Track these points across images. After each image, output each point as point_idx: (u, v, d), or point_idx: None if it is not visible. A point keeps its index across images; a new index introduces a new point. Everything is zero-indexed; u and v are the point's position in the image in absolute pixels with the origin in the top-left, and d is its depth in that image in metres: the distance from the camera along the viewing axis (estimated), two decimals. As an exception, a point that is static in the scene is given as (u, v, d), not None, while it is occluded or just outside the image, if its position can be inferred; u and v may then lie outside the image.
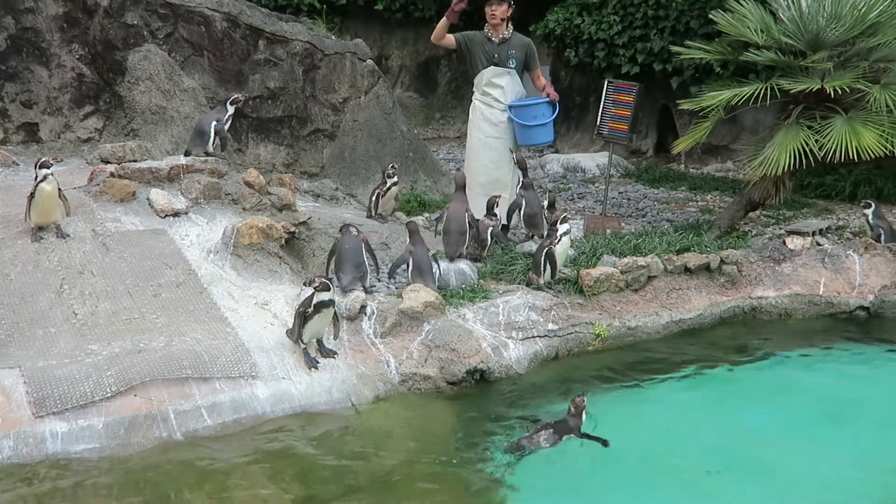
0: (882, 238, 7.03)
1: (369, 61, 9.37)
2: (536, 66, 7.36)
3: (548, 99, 7.08)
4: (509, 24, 7.14)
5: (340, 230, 5.99)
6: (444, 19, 7.04)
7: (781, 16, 7.05)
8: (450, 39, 7.14)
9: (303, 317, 4.91)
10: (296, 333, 4.98)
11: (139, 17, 8.24)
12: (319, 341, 5.06)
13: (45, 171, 5.68)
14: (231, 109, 7.12)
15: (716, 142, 10.98)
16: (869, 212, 7.20)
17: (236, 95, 7.35)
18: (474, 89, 7.29)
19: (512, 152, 7.20)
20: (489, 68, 7.11)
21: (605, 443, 4.54)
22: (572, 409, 4.64)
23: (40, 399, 4.31)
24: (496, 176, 7.18)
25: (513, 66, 7.14)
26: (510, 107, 7.09)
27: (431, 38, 7.22)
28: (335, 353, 5.07)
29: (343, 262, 5.74)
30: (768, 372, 5.65)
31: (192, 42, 8.45)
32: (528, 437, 4.56)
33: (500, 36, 7.10)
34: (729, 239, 7.15)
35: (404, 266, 5.92)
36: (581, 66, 12.68)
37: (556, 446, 4.50)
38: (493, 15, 7.03)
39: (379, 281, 6.20)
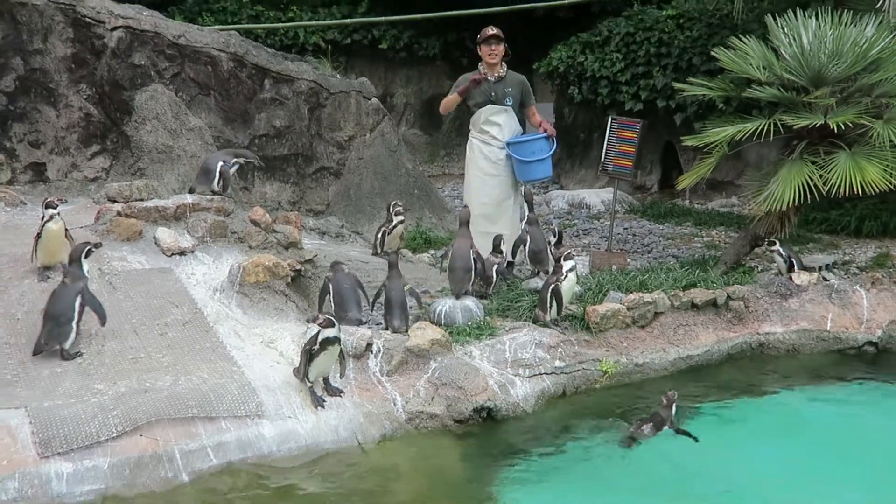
0: (795, 267, 7.01)
1: (374, 99, 9.45)
2: (532, 103, 7.45)
3: (545, 134, 7.13)
4: (503, 63, 7.25)
5: (331, 268, 6.02)
6: (455, 95, 7.21)
7: (783, 52, 7.10)
8: (454, 104, 7.29)
9: (308, 354, 4.90)
10: (302, 372, 4.96)
11: (146, 58, 8.33)
12: (326, 379, 5.04)
13: (51, 210, 5.71)
14: (240, 161, 7.18)
15: (720, 177, 11.02)
16: (777, 247, 7.12)
17: (252, 158, 7.34)
18: (471, 127, 7.35)
19: (521, 185, 7.25)
20: (486, 107, 7.19)
21: (694, 438, 4.96)
22: (664, 401, 5.05)
23: (46, 439, 4.28)
24: (497, 213, 7.18)
25: (510, 103, 7.22)
26: (508, 143, 7.14)
27: (441, 110, 7.40)
28: (341, 391, 5.05)
29: (346, 300, 5.78)
30: (776, 408, 5.61)
31: (198, 82, 8.53)
32: (635, 430, 5.00)
33: (496, 74, 7.20)
34: (735, 274, 7.14)
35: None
36: (584, 102, 12.77)
37: (656, 436, 4.98)
38: (493, 54, 7.13)
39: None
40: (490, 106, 7.18)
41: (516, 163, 7.13)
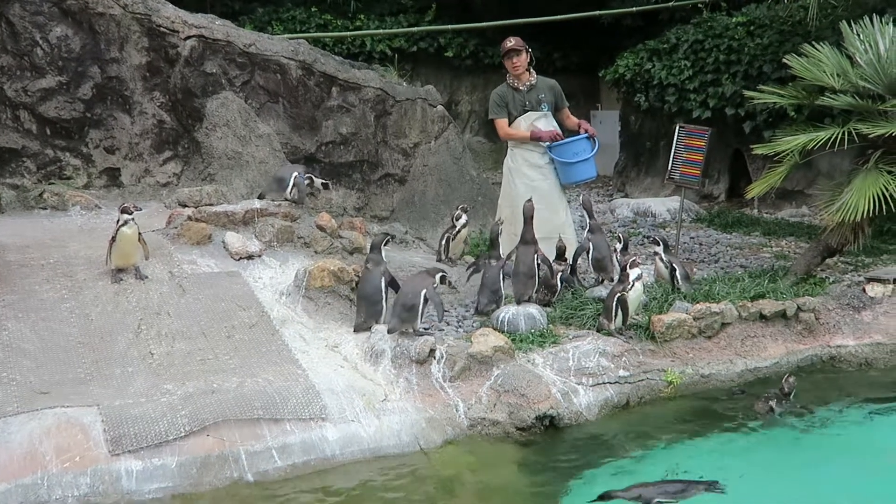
0: (677, 274, 6.70)
1: (439, 107, 9.49)
2: (565, 106, 7.39)
3: (587, 135, 7.06)
4: (531, 70, 7.19)
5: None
6: (526, 134, 7.06)
7: (859, 59, 6.94)
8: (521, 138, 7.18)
9: None
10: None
11: (218, 66, 8.50)
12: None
13: (126, 215, 5.87)
14: (312, 176, 7.50)
15: (790, 186, 10.79)
16: (660, 249, 6.86)
17: (324, 180, 7.77)
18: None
19: (582, 193, 7.20)
20: (525, 115, 7.13)
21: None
22: (785, 387, 5.41)
23: (117, 437, 4.39)
24: (550, 218, 6.98)
25: (545, 109, 7.17)
26: (550, 147, 7.08)
27: (501, 135, 7.25)
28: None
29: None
30: (848, 424, 5.44)
31: (267, 89, 8.67)
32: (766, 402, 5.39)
33: (528, 83, 7.14)
34: (805, 286, 6.98)
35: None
36: (651, 110, 12.65)
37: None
38: (516, 66, 7.07)
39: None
40: (529, 113, 7.12)
41: (559, 165, 7.08)
